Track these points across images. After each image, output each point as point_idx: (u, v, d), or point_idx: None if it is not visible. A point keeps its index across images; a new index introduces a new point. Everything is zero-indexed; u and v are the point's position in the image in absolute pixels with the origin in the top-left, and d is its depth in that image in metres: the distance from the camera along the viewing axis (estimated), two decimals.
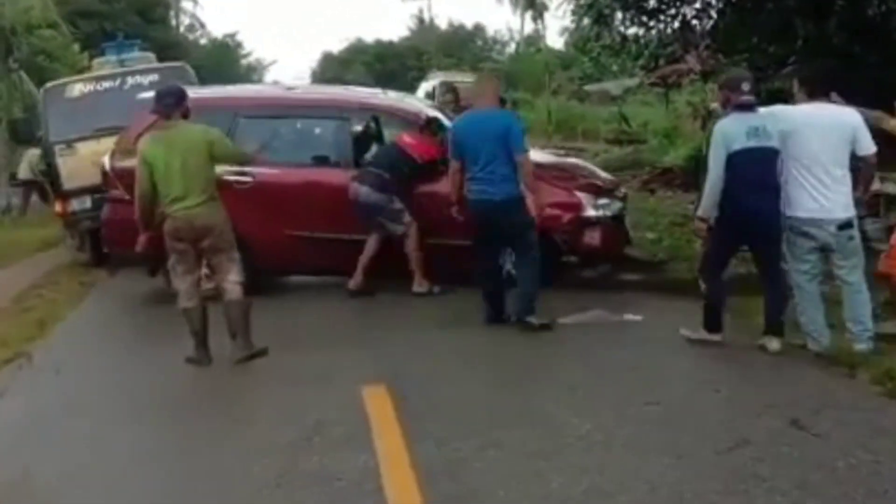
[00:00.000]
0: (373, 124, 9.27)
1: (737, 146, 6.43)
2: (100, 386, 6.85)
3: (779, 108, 6.75)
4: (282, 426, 5.54)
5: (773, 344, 6.63)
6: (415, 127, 9.00)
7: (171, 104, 6.92)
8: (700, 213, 6.77)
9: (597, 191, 9.02)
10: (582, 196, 8.82)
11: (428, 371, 6.57)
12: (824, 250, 6.49)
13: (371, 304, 8.52)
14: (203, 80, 19.37)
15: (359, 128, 9.28)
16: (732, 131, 6.48)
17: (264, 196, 8.63)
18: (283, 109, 9.16)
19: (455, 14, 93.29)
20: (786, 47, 12.79)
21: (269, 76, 62.98)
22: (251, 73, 60.24)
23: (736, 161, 6.42)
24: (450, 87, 14.72)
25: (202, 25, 58.27)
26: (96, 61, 15.90)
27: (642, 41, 15.44)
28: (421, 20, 61.45)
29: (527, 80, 39.45)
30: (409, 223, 8.54)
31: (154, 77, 12.24)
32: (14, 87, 20.23)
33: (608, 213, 8.88)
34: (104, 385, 6.87)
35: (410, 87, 36.04)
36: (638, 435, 5.17)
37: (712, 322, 6.84)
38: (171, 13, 52.44)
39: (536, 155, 9.59)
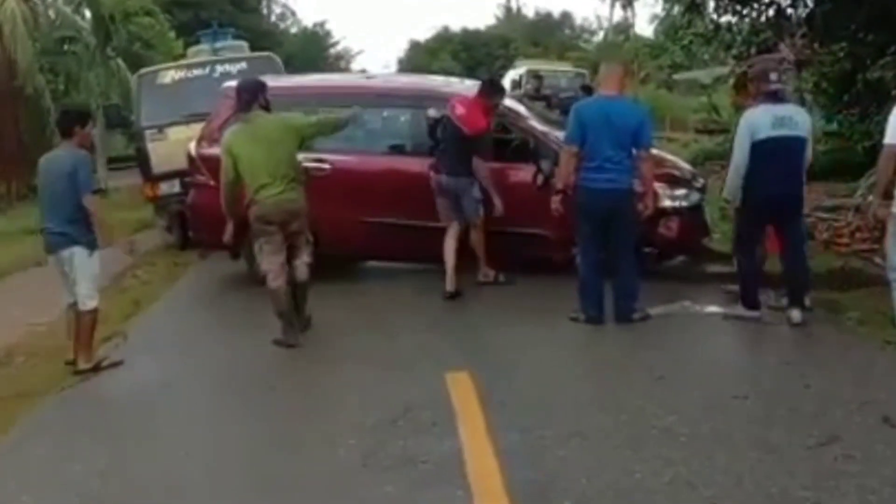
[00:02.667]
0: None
1: (762, 135, 6.84)
2: (191, 365, 7.04)
3: None
4: (368, 409, 5.62)
5: (795, 314, 6.98)
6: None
7: (249, 98, 7.21)
8: (725, 194, 7.23)
9: (673, 181, 8.79)
10: (657, 186, 8.39)
11: (511, 358, 6.59)
12: None
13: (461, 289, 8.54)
14: (293, 69, 19.82)
15: (435, 116, 9.04)
16: (758, 121, 6.89)
17: (341, 183, 8.70)
18: (361, 98, 9.07)
19: (543, 2, 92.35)
20: (885, 36, 12.38)
21: (357, 65, 63.55)
22: (339, 62, 60.73)
23: (762, 149, 6.84)
24: (534, 75, 14.66)
25: (293, 14, 59.10)
26: (191, 49, 16.47)
27: (735, 29, 15.12)
28: (508, 9, 61.23)
29: None
30: (481, 214, 8.44)
31: (242, 66, 12.66)
32: (112, 73, 20.77)
33: (685, 203, 8.69)
34: (195, 365, 7.06)
35: (497, 76, 35.99)
36: (725, 428, 5.11)
37: (750, 299, 7.14)
38: (263, 2, 53.18)
39: None
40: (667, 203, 8.48)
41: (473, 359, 6.50)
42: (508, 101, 9.63)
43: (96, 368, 6.90)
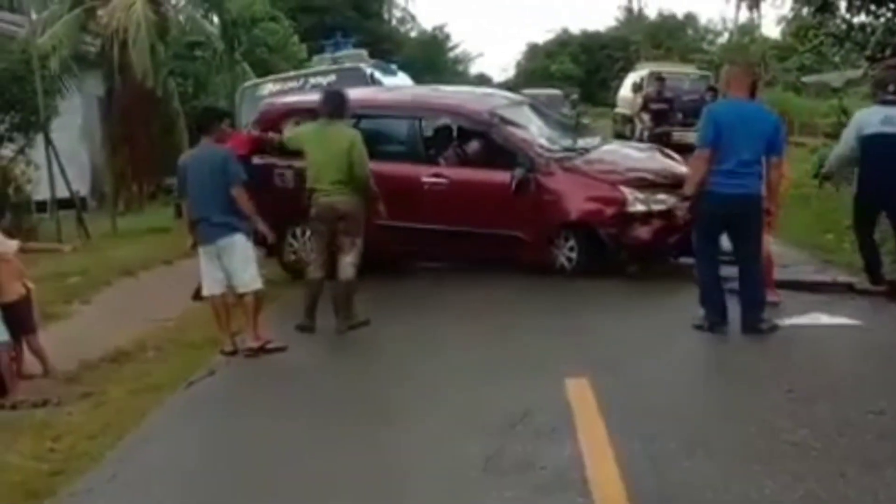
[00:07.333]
0: (448, 122, 10.17)
1: (870, 130, 7.75)
2: (308, 366, 7.15)
3: None
4: (487, 413, 5.59)
5: None
6: (471, 124, 9.85)
7: (341, 105, 7.99)
8: (825, 169, 8.91)
9: (646, 185, 9.11)
10: (626, 191, 8.93)
11: (632, 365, 6.46)
12: None
13: (575, 294, 8.49)
14: (414, 73, 20.38)
15: (432, 126, 10.18)
16: (867, 118, 7.90)
17: None
18: (370, 110, 9.75)
19: (666, 4, 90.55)
20: None
21: (475, 68, 63.78)
22: (457, 66, 61.02)
23: (869, 143, 7.76)
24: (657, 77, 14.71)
25: (413, 18, 59.54)
26: (316, 57, 17.91)
27: (869, 29, 14.53)
28: (629, 10, 60.33)
29: None
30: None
31: (332, 78, 14.21)
32: (237, 77, 21.34)
33: (659, 207, 8.85)
34: (312, 365, 7.18)
35: (616, 78, 35.57)
36: (859, 445, 4.89)
37: (874, 276, 8.05)
38: (384, 7, 53.82)
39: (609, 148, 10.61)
40: (638, 207, 8.87)
41: (593, 364, 6.39)
42: (501, 109, 10.08)
43: (262, 349, 7.29)
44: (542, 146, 9.55)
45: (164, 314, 8.78)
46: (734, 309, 7.13)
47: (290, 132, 8.42)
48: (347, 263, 7.76)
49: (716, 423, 5.29)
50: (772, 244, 7.94)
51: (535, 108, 11.54)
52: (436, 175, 9.54)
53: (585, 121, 29.91)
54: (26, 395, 6.74)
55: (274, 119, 10.01)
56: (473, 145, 9.88)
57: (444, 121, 10.22)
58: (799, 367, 6.34)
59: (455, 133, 10.21)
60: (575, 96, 33.70)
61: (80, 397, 6.67)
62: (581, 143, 10.31)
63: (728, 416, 5.40)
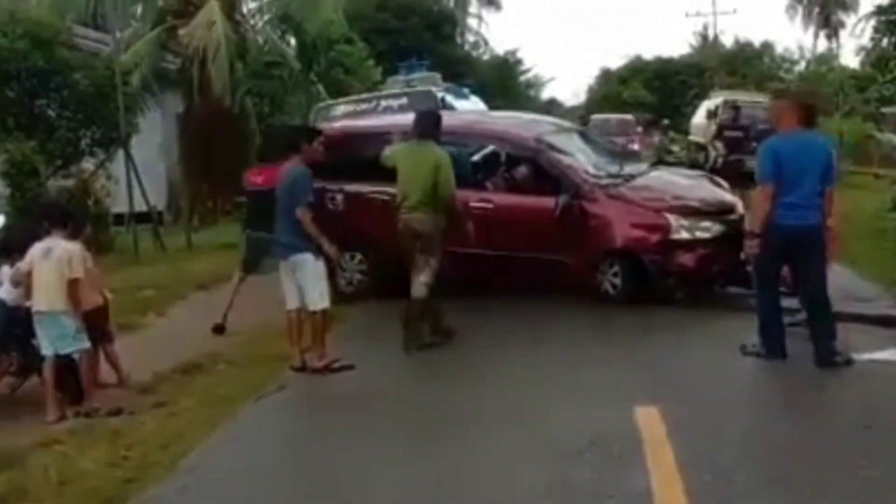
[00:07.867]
0: (495, 148, 10.34)
1: None
2: (374, 384, 7.17)
3: None
4: (553, 438, 5.57)
5: None
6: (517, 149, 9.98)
7: (434, 126, 8.19)
8: None
9: (691, 212, 9.10)
10: (671, 218, 8.92)
11: (702, 396, 6.37)
12: None
13: (635, 322, 8.43)
14: (487, 97, 20.66)
15: (480, 151, 10.38)
16: None
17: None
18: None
19: (742, 31, 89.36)
20: None
21: (547, 92, 63.75)
22: (529, 90, 60.99)
23: None
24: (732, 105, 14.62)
25: (486, 42, 59.67)
26: (390, 79, 18.42)
27: None
28: (704, 37, 59.72)
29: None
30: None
31: (403, 101, 14.47)
32: (312, 98, 21.65)
33: (705, 235, 8.92)
34: (379, 384, 7.21)
35: (690, 105, 35.23)
36: None
37: None
38: (458, 31, 54.04)
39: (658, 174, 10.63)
40: (683, 234, 8.85)
41: (662, 393, 6.33)
42: (547, 135, 10.14)
43: (328, 368, 7.30)
44: (587, 172, 9.59)
45: (236, 328, 8.91)
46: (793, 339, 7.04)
47: (388, 150, 8.48)
48: (420, 283, 7.80)
49: (788, 456, 5.18)
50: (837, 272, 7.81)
51: (584, 135, 11.64)
52: (483, 200, 9.55)
53: (675, 147, 29.76)
54: (101, 404, 6.89)
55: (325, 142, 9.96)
56: (520, 171, 9.95)
57: (491, 146, 10.31)
58: (876, 403, 6.17)
59: (503, 158, 10.28)
60: (666, 122, 33.76)
61: (152, 407, 6.80)
62: (627, 169, 10.32)
63: (802, 450, 5.29)
